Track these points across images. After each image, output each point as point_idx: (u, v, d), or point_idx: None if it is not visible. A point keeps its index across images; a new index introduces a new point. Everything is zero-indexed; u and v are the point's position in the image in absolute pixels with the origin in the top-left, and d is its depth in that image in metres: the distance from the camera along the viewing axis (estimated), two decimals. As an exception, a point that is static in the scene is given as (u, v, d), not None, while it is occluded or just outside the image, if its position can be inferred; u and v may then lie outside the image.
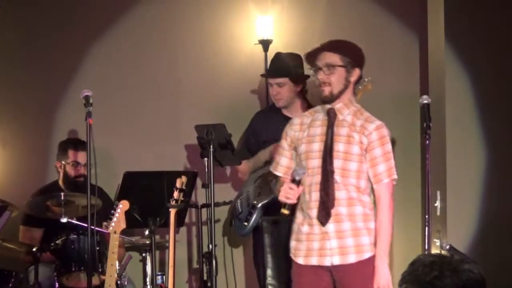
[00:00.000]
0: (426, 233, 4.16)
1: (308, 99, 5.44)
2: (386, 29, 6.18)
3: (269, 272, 4.69)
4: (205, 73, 6.14)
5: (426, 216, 4.17)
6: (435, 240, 5.23)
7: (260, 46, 6.00)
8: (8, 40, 6.07)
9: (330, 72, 4.12)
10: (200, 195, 5.59)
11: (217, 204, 5.08)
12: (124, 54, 6.15)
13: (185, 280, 6.05)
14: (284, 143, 4.24)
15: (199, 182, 5.29)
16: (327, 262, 4.08)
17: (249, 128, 5.52)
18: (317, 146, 4.12)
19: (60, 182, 5.52)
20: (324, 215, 4.05)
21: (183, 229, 5.99)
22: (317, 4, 6.18)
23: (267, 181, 5.23)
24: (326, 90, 4.12)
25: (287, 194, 4.01)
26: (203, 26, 6.15)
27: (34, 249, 4.95)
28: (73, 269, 4.94)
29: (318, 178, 4.08)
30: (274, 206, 5.21)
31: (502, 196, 5.67)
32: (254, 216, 5.27)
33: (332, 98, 4.13)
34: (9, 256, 5.03)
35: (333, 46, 4.20)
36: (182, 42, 6.16)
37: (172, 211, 4.60)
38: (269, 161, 5.30)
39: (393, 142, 6.03)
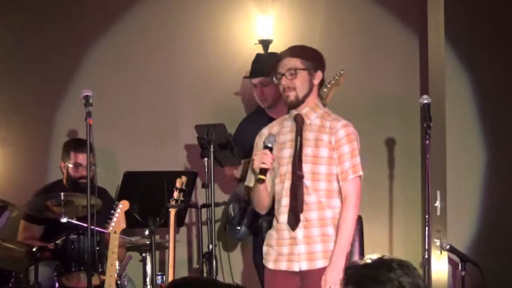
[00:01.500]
0: (426, 233, 4.16)
1: None
2: (386, 29, 6.18)
3: (268, 272, 4.68)
4: (205, 73, 6.14)
5: (426, 216, 4.17)
6: (435, 240, 5.24)
7: (260, 46, 6.00)
8: (7, 40, 6.07)
9: (293, 76, 4.12)
10: (200, 195, 5.58)
11: (217, 204, 5.07)
12: (124, 54, 6.15)
13: (185, 280, 6.04)
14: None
15: (199, 182, 5.28)
16: (295, 267, 4.09)
17: (236, 133, 5.47)
18: (287, 152, 4.11)
19: (64, 182, 5.52)
20: (294, 220, 4.06)
21: (183, 229, 5.99)
22: (317, 4, 6.18)
23: None
24: (292, 95, 4.12)
25: (262, 159, 4.01)
26: (203, 26, 6.15)
27: (34, 249, 4.96)
28: (73, 269, 4.94)
29: (287, 184, 4.08)
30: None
31: (502, 196, 5.68)
32: (246, 220, 5.27)
33: (298, 103, 4.13)
34: (9, 256, 5.03)
35: (293, 51, 4.20)
36: (182, 42, 6.16)
37: (172, 211, 4.60)
38: (241, 179, 5.30)
39: (393, 142, 6.07)
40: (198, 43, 6.15)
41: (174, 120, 6.15)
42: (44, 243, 5.22)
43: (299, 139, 4.09)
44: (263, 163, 4.01)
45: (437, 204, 5.50)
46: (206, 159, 4.87)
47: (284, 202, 4.09)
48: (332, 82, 5.17)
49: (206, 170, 4.86)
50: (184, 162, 6.06)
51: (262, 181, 4.02)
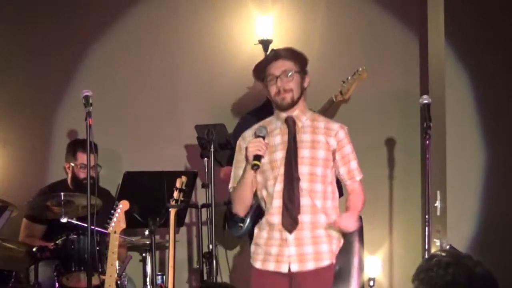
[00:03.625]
0: (426, 233, 4.16)
1: None
2: (386, 29, 6.18)
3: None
4: (205, 73, 6.15)
5: (426, 216, 4.17)
6: (435, 240, 5.24)
7: (260, 46, 5.99)
8: (8, 40, 6.07)
9: (289, 78, 4.08)
10: (200, 195, 5.58)
11: (217, 204, 5.07)
12: (124, 54, 6.15)
13: (185, 280, 6.05)
14: (240, 157, 4.16)
15: (199, 182, 5.28)
16: (284, 268, 4.05)
17: (241, 128, 5.43)
18: (280, 155, 4.07)
19: (69, 182, 5.52)
20: (291, 222, 4.02)
21: (183, 229, 5.99)
22: (317, 4, 6.18)
23: None
24: (288, 97, 4.08)
25: (257, 146, 3.95)
26: (203, 26, 6.15)
27: (34, 249, 4.96)
28: (73, 269, 4.94)
29: (279, 186, 4.05)
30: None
31: (502, 196, 5.67)
32: (249, 217, 5.26)
33: (292, 105, 4.10)
34: (9, 256, 5.03)
35: (286, 53, 4.15)
36: (182, 42, 6.16)
37: (172, 211, 4.60)
38: None
39: (393, 142, 6.07)
40: (198, 43, 6.15)
41: (174, 120, 6.15)
42: (44, 242, 5.23)
43: (292, 141, 4.06)
44: (259, 149, 3.95)
45: (437, 204, 5.49)
46: (206, 159, 4.88)
47: (276, 204, 4.05)
48: (354, 77, 5.17)
49: (206, 170, 4.87)
50: (184, 162, 6.06)
51: (258, 167, 3.96)
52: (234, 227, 5.34)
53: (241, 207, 4.19)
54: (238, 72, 6.01)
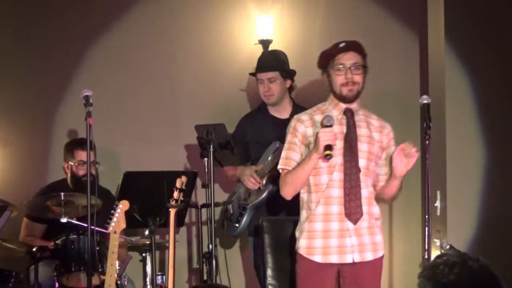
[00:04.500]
0: (426, 233, 4.16)
1: (293, 98, 5.43)
2: (386, 29, 6.18)
3: (269, 272, 4.68)
4: (205, 73, 6.15)
5: (426, 216, 4.17)
6: (435, 240, 5.24)
7: (260, 46, 6.00)
8: (8, 40, 6.07)
9: (358, 72, 4.15)
10: (200, 195, 5.58)
11: (217, 204, 5.07)
12: (124, 54, 6.15)
13: (185, 280, 6.05)
14: (295, 139, 4.18)
15: (199, 182, 5.28)
16: (348, 259, 4.10)
17: (236, 131, 5.46)
18: (338, 144, 4.09)
19: (69, 181, 5.53)
20: (356, 213, 4.08)
21: (183, 229, 5.99)
22: (317, 4, 6.18)
23: None
24: (355, 89, 4.15)
25: (327, 136, 3.96)
26: (203, 26, 6.16)
27: (34, 249, 4.96)
28: (73, 269, 4.95)
29: (337, 175, 4.09)
30: (264, 206, 5.22)
31: (502, 196, 5.67)
32: (245, 217, 5.27)
33: (356, 98, 4.18)
34: (9, 256, 5.04)
35: (357, 47, 4.20)
36: (182, 42, 6.17)
37: (172, 211, 4.60)
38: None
39: (393, 142, 6.04)
40: (198, 43, 6.15)
41: (174, 120, 6.15)
42: (44, 241, 5.23)
43: (353, 133, 4.13)
44: (330, 139, 3.97)
45: (437, 204, 5.49)
46: (206, 159, 4.87)
47: (335, 193, 4.09)
48: None
49: (206, 170, 4.87)
50: (184, 162, 6.06)
51: (331, 157, 3.98)
52: (230, 227, 5.35)
53: (292, 191, 4.18)
54: (238, 72, 6.01)
